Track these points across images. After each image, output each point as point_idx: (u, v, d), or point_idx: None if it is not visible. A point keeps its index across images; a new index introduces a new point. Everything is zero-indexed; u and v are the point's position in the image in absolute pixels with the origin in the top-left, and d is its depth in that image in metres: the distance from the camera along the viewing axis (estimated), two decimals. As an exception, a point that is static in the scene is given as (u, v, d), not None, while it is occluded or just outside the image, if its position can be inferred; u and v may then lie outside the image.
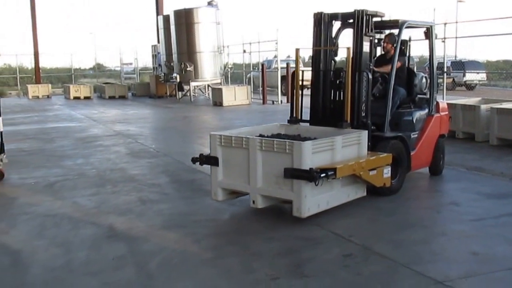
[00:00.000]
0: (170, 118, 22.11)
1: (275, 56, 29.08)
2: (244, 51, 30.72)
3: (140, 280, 5.23)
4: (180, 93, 30.58)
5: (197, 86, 30.97)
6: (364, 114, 8.00)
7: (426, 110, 9.20)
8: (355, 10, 8.04)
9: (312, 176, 6.23)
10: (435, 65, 9.62)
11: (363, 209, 7.39)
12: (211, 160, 7.26)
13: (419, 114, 9.05)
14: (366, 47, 8.11)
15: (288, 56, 35.36)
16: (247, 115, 21.06)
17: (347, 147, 7.11)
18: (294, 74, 8.40)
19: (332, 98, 8.35)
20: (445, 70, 21.16)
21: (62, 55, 68.18)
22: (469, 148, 12.37)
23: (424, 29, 9.21)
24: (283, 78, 26.87)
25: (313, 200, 6.55)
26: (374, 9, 8.11)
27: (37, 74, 41.01)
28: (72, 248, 6.16)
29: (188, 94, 29.98)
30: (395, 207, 7.64)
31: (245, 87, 28.00)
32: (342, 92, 8.15)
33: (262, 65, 27.64)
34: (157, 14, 36.73)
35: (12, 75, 45.75)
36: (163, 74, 31.99)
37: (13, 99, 33.91)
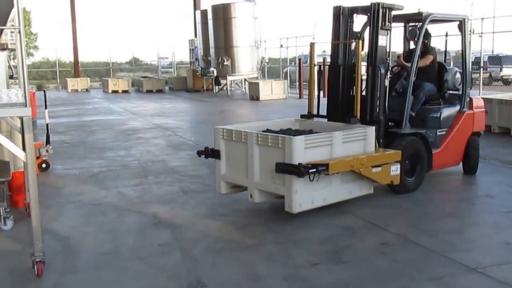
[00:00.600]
0: (207, 111, 22.39)
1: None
2: (281, 46, 30.88)
3: (186, 264, 5.47)
4: (217, 87, 30.85)
5: (234, 81, 31.19)
6: (378, 109, 7.86)
7: (457, 107, 8.85)
8: (371, 3, 7.84)
9: (299, 171, 6.21)
10: (469, 60, 9.28)
11: (399, 200, 7.56)
12: (214, 154, 7.36)
13: (448, 110, 8.74)
14: (382, 40, 7.87)
15: (324, 51, 35.39)
16: (283, 109, 21.18)
17: (350, 143, 6.99)
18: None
19: (346, 93, 8.10)
20: (482, 65, 21.06)
21: (99, 49, 69.03)
22: (505, 142, 12.43)
23: (457, 23, 8.90)
24: (320, 72, 26.87)
25: (305, 195, 6.50)
26: (391, 2, 7.87)
27: (76, 68, 41.63)
28: (119, 235, 6.44)
29: (225, 88, 30.23)
30: (430, 199, 7.82)
31: (282, 81, 28.14)
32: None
33: (299, 59, 27.75)
34: (195, 8, 37.10)
35: (50, 68, 46.47)
36: (200, 68, 32.26)
37: (52, 92, 34.45)
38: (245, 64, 29.59)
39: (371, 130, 7.29)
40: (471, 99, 9.08)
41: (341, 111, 8.06)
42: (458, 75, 9.07)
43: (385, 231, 6.34)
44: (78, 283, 5.12)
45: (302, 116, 8.41)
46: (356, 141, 7.10)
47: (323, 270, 5.25)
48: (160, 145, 12.95)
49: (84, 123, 18.01)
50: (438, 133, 8.58)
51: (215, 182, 7.51)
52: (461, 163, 9.06)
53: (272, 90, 26.66)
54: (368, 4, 7.91)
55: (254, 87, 27.08)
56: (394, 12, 7.98)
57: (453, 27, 9.08)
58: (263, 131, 7.27)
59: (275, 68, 35.54)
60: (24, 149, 5.15)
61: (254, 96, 26.66)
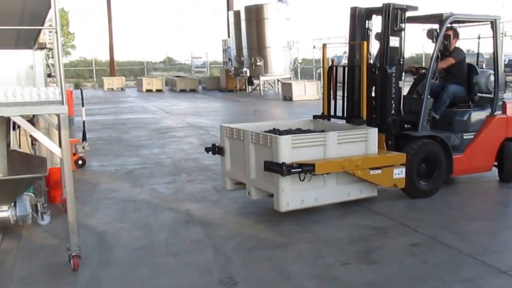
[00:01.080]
0: (240, 111, 22.51)
1: (345, 52, 29.10)
2: (314, 47, 30.88)
3: (218, 261, 5.55)
4: (250, 87, 30.99)
5: (266, 81, 31.28)
6: (387, 111, 7.67)
7: (488, 110, 8.44)
8: (382, 4, 7.66)
9: (281, 170, 6.20)
10: (501, 62, 8.75)
11: (432, 202, 7.54)
12: (220, 151, 7.55)
13: (477, 114, 8.38)
14: (394, 42, 7.66)
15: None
16: (315, 110, 20.97)
17: (349, 143, 6.90)
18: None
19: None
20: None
21: (134, 48, 69.72)
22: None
23: (490, 24, 8.47)
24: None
25: (293, 195, 6.51)
26: (403, 2, 7.67)
27: (112, 67, 42.19)
28: (152, 231, 6.56)
29: (258, 89, 30.32)
30: (463, 200, 7.79)
31: (315, 82, 28.11)
32: (375, 88, 7.93)
33: (332, 60, 27.69)
34: (228, 9, 37.35)
35: (87, 67, 47.13)
36: (233, 68, 32.44)
37: (89, 91, 34.99)
38: (278, 65, 29.68)
39: (373, 132, 7.16)
40: (504, 103, 8.57)
41: (357, 112, 7.95)
42: (492, 78, 8.71)
43: (416, 232, 6.34)
44: (113, 277, 5.23)
45: (315, 117, 8.38)
46: (356, 142, 7.00)
47: (353, 270, 5.29)
48: (193, 144, 13.09)
49: (120, 121, 18.28)
50: (465, 137, 8.27)
51: (222, 178, 7.69)
52: (494, 169, 8.64)
53: (305, 90, 26.65)
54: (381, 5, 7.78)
55: (287, 88, 27.12)
56: (409, 13, 7.80)
57: (487, 29, 8.71)
58: (268, 131, 7.32)
59: (308, 69, 35.56)
60: (60, 145, 5.27)
61: (287, 96, 26.70)
